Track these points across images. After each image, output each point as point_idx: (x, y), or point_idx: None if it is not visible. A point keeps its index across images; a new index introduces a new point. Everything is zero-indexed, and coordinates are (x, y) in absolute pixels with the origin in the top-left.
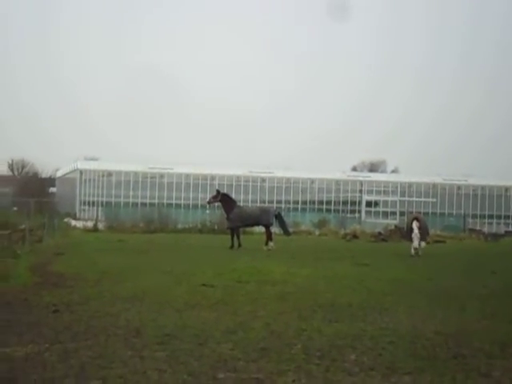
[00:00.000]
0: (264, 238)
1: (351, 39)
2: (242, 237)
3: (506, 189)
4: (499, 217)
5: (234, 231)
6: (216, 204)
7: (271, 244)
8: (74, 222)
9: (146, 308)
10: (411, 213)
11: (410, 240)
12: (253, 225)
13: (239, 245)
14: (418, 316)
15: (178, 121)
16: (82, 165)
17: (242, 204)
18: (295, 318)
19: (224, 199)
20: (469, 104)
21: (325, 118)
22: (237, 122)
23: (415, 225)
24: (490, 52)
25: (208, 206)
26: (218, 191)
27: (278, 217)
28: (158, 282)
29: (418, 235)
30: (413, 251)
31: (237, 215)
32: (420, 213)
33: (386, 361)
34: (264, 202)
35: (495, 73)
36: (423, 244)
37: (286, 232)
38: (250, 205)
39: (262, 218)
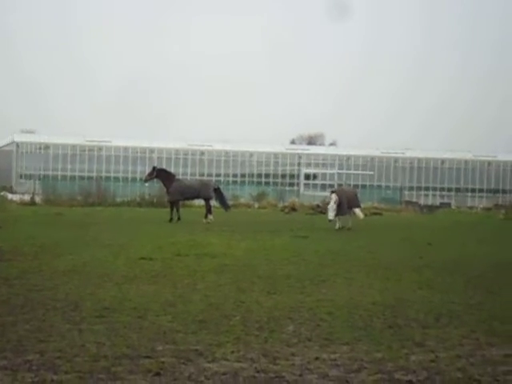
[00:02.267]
0: (204, 211)
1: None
2: (181, 210)
3: (442, 161)
4: (435, 189)
5: (173, 204)
6: (155, 180)
7: (210, 217)
8: (10, 196)
9: (84, 281)
10: (341, 185)
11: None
12: (193, 198)
13: (178, 218)
14: (355, 287)
15: (115, 93)
16: (19, 137)
17: (181, 177)
18: (234, 290)
19: (160, 174)
20: (406, 75)
21: (264, 90)
22: (176, 96)
23: (332, 198)
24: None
25: (146, 181)
26: (153, 168)
27: (217, 191)
28: (96, 255)
29: (334, 208)
30: (330, 216)
31: (176, 189)
32: (350, 185)
33: (323, 331)
34: (203, 176)
35: (433, 43)
36: (361, 215)
37: (226, 206)
38: (189, 178)
39: (202, 191)
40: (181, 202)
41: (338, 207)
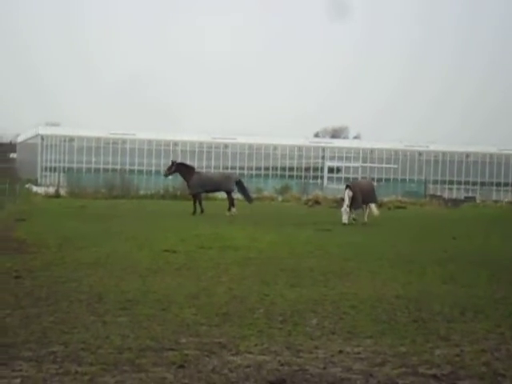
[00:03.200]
0: (227, 204)
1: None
2: (204, 203)
3: (467, 155)
4: (459, 183)
5: (195, 197)
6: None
7: (233, 210)
8: (35, 188)
9: (108, 274)
10: (356, 179)
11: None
12: (214, 190)
13: (202, 211)
14: (378, 280)
15: (139, 89)
16: (44, 130)
17: (204, 170)
18: (258, 283)
19: (179, 169)
20: (435, 70)
21: (289, 85)
22: (200, 89)
23: (346, 193)
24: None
25: (166, 175)
26: (172, 162)
27: (239, 184)
28: (120, 247)
29: (347, 210)
30: (344, 219)
31: (197, 181)
32: (367, 179)
33: (347, 325)
34: (227, 169)
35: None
36: (376, 212)
37: (248, 198)
38: (212, 171)
39: (223, 184)
40: (203, 195)
41: (351, 201)
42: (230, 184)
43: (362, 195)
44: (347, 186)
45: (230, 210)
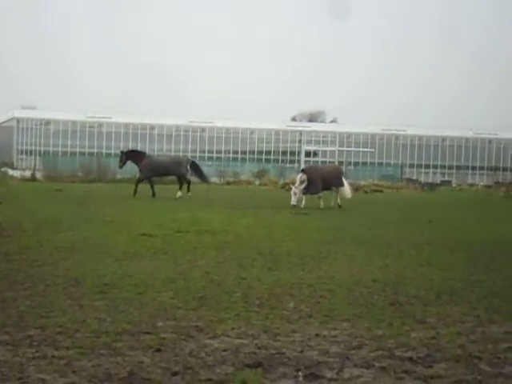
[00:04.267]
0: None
1: None
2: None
3: (443, 139)
4: (435, 166)
5: (147, 181)
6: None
7: (188, 193)
8: (11, 172)
9: (85, 257)
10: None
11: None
12: (165, 174)
13: (153, 194)
14: (355, 264)
15: (118, 70)
16: (19, 113)
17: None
18: (235, 267)
19: (129, 156)
20: (408, 52)
21: (266, 68)
22: (178, 74)
23: (298, 177)
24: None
25: (121, 167)
26: (121, 152)
27: (193, 165)
28: (96, 231)
29: (295, 192)
30: (292, 201)
31: (146, 166)
32: (335, 163)
33: (323, 308)
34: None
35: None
36: (348, 194)
37: (205, 179)
38: (189, 155)
39: (173, 168)
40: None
41: (308, 186)
42: (182, 168)
43: (324, 180)
44: (302, 170)
45: (180, 190)
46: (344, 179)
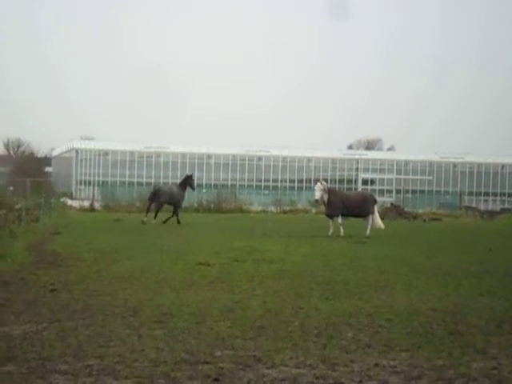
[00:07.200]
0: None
1: None
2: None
3: (502, 166)
4: (495, 194)
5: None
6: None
7: (145, 219)
8: (70, 202)
9: (143, 287)
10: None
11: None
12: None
13: (178, 222)
14: (414, 293)
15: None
16: (78, 144)
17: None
18: (292, 296)
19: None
20: (462, 80)
21: (323, 97)
22: (234, 101)
23: (316, 188)
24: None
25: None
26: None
27: (156, 193)
28: (154, 261)
29: (320, 189)
30: (330, 231)
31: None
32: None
33: (382, 338)
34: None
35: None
36: (379, 224)
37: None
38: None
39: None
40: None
41: (327, 207)
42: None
43: (345, 205)
44: (317, 180)
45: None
46: (376, 208)
